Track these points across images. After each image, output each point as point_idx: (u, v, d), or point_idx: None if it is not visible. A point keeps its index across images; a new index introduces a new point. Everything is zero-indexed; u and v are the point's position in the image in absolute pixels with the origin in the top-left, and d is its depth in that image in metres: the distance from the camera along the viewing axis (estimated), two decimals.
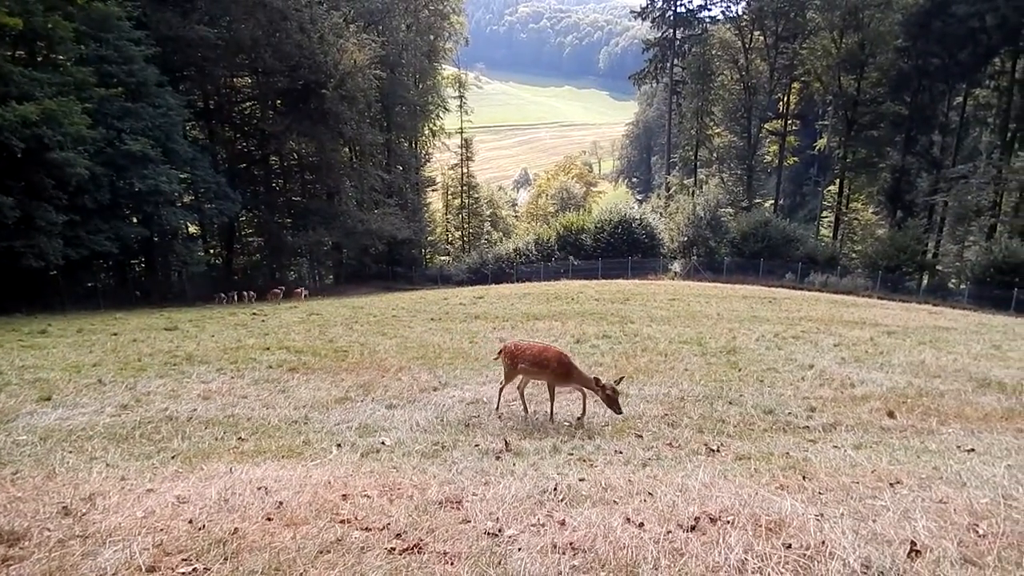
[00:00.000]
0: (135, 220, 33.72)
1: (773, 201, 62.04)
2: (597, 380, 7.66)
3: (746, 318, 18.92)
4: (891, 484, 5.33)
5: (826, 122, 61.35)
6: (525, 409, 8.46)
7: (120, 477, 5.60)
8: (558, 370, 7.88)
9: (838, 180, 58.03)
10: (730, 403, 8.72)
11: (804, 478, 5.40)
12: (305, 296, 27.14)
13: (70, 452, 6.70)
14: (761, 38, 60.14)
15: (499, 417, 8.29)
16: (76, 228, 28.36)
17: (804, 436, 7.39)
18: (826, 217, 61.21)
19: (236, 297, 31.37)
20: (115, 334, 16.77)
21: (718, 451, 6.58)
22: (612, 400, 7.57)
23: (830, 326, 17.34)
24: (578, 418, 8.08)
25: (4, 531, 4.04)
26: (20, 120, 24.24)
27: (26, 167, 26.05)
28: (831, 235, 56.85)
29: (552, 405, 8.21)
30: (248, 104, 49.60)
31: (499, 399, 8.67)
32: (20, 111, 24.31)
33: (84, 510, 4.55)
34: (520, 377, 8.47)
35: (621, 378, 8.11)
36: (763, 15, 58.72)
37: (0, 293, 28.02)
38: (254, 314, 21.96)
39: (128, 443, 7.10)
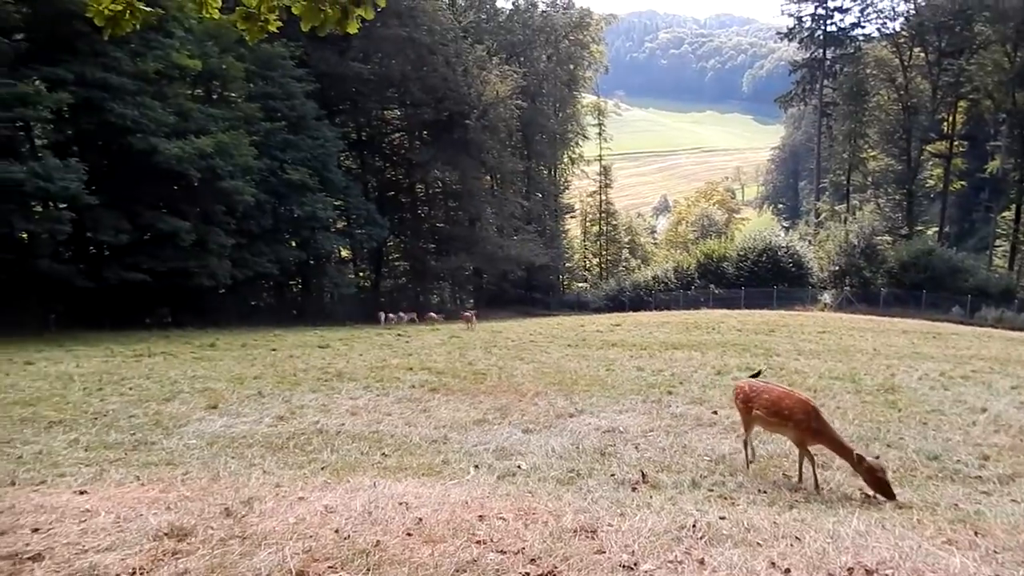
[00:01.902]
0: (293, 244, 36.27)
1: (937, 228, 57.41)
2: (859, 457, 6.04)
3: (906, 354, 17.53)
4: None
5: (999, 142, 56.12)
6: (747, 459, 7.22)
7: (275, 484, 5.96)
8: (803, 424, 6.35)
9: (1014, 205, 52.77)
10: (888, 446, 8.07)
11: (976, 534, 4.89)
12: (474, 319, 27.67)
13: (232, 457, 7.24)
14: (922, 55, 56.20)
15: (747, 468, 7.10)
16: (242, 251, 30.88)
17: (976, 487, 6.69)
18: (1000, 246, 55.73)
19: (418, 317, 31.87)
20: (274, 350, 18.03)
21: (875, 498, 6.09)
22: (880, 482, 5.95)
23: (1006, 366, 15.69)
24: (796, 480, 6.68)
25: (175, 527, 4.40)
26: (197, 152, 26.82)
27: (201, 195, 28.72)
28: (1006, 266, 51.65)
29: (801, 466, 6.67)
30: (397, 135, 52.22)
31: (745, 451, 7.27)
32: (198, 144, 26.95)
33: (243, 512, 4.87)
34: (757, 427, 7.14)
35: (877, 457, 6.39)
36: (924, 30, 54.85)
37: (177, 308, 30.89)
38: (399, 335, 22.87)
39: (283, 452, 7.58)
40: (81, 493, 5.46)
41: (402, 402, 10.49)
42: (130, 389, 11.45)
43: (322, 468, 6.81)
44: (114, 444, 7.85)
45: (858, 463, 6.02)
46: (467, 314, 28.84)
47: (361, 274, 50.77)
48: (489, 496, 5.64)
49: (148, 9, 5.03)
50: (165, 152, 26.09)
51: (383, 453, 7.55)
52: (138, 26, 5.01)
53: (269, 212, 32.60)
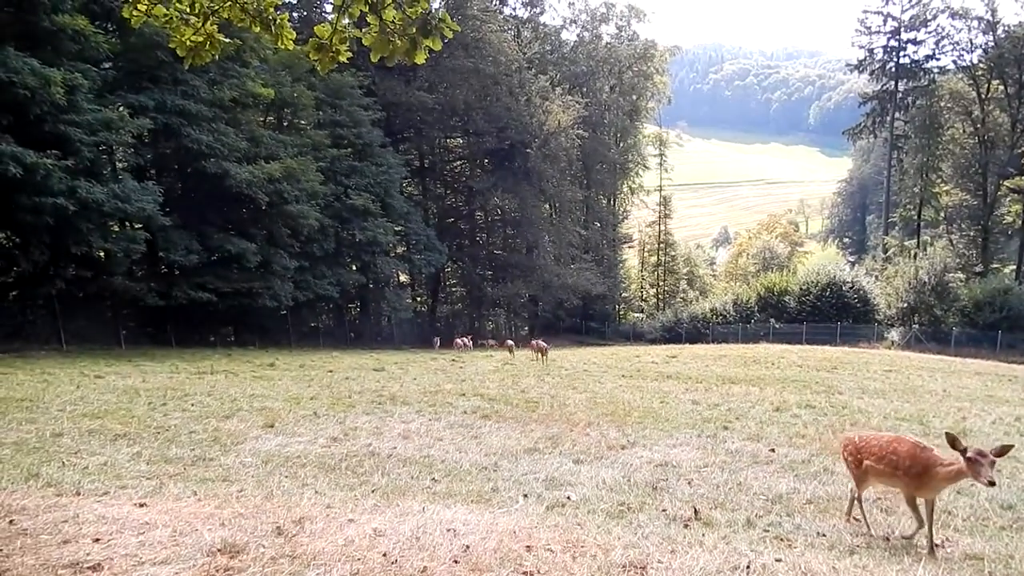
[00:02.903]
0: (354, 268, 37.03)
1: (1015, 267, 54.99)
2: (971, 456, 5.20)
3: (979, 397, 16.73)
4: None
5: None
6: (864, 522, 6.31)
7: (326, 505, 6.02)
8: (912, 470, 5.62)
9: None
10: (959, 493, 7.66)
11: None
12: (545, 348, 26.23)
13: (286, 477, 7.35)
14: (1000, 87, 54.34)
15: (850, 525, 6.28)
16: (304, 273, 31.66)
17: None
18: None
19: (473, 342, 32.69)
20: (331, 371, 18.35)
21: (941, 546, 5.79)
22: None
23: None
24: (908, 536, 5.95)
25: (228, 543, 4.48)
26: (267, 177, 27.75)
27: (267, 218, 29.62)
28: None
29: (917, 521, 5.85)
30: (458, 163, 53.09)
31: (854, 508, 6.49)
32: (267, 169, 27.88)
33: (294, 532, 4.93)
34: (873, 483, 6.34)
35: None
36: (1003, 63, 53.08)
37: (240, 328, 31.77)
38: (452, 360, 22.98)
39: (335, 473, 7.66)
40: (141, 506, 5.62)
41: (454, 427, 10.51)
42: (192, 405, 11.78)
43: (372, 491, 6.86)
44: (174, 459, 8.06)
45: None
46: (536, 343, 25.91)
47: (418, 299, 51.40)
48: (537, 526, 5.58)
49: (227, 40, 5.27)
50: (236, 176, 27.07)
51: (433, 478, 7.55)
52: (217, 56, 5.25)
53: (332, 236, 33.42)
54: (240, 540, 4.57)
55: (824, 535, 5.95)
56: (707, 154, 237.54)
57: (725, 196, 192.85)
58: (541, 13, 60.16)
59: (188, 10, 4.85)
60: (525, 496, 6.84)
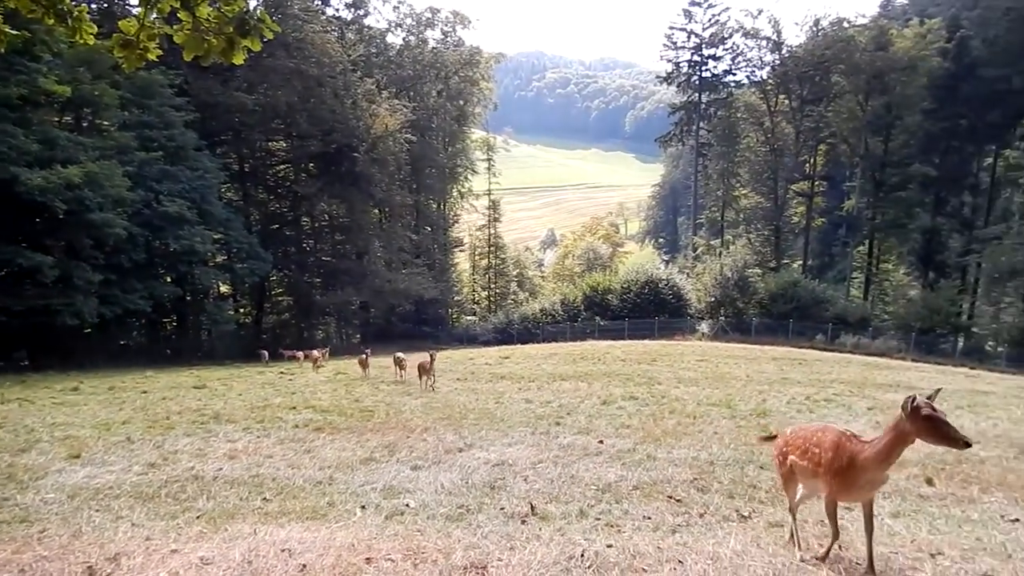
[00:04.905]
0: (169, 279, 34.54)
1: (802, 262, 61.72)
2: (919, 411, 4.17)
3: (776, 380, 18.60)
4: (932, 555, 5.13)
5: (854, 183, 61.36)
6: (795, 538, 5.33)
7: (145, 537, 5.59)
8: (833, 465, 4.62)
9: (867, 241, 57.80)
10: (762, 468, 8.48)
11: (841, 548, 5.22)
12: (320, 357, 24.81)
13: (97, 511, 6.70)
14: (786, 101, 60.89)
15: (800, 558, 5.05)
16: (112, 287, 29.12)
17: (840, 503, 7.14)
18: (856, 278, 60.62)
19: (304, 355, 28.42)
20: (145, 392, 16.98)
21: (750, 518, 6.38)
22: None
23: (863, 389, 16.95)
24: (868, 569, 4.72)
25: None
26: (64, 183, 25.19)
27: (66, 227, 26.92)
28: (862, 296, 56.17)
29: (833, 531, 4.92)
30: (282, 167, 51.05)
31: (792, 526, 5.44)
32: (64, 174, 25.31)
33: (109, 570, 4.54)
34: (801, 487, 5.25)
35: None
36: (788, 79, 59.59)
37: (36, 350, 28.62)
38: (281, 373, 22.08)
39: (154, 502, 7.09)
40: None
41: (284, 443, 10.09)
42: None
43: (197, 517, 6.43)
44: None
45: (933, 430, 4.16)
46: (316, 352, 25.27)
47: (242, 310, 48.82)
48: (377, 537, 5.52)
49: (14, 32, 4.74)
50: (27, 182, 24.32)
51: (264, 498, 7.21)
52: (2, 49, 4.71)
53: (143, 246, 30.88)
54: None
55: (649, 518, 6.35)
56: (533, 159, 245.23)
57: (551, 200, 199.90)
58: (365, 15, 59.42)
59: None
60: (363, 508, 6.73)
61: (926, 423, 4.12)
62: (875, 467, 4.42)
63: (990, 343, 45.53)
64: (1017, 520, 6.35)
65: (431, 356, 16.58)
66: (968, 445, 4.05)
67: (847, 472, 4.50)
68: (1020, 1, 48.07)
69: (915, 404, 4.16)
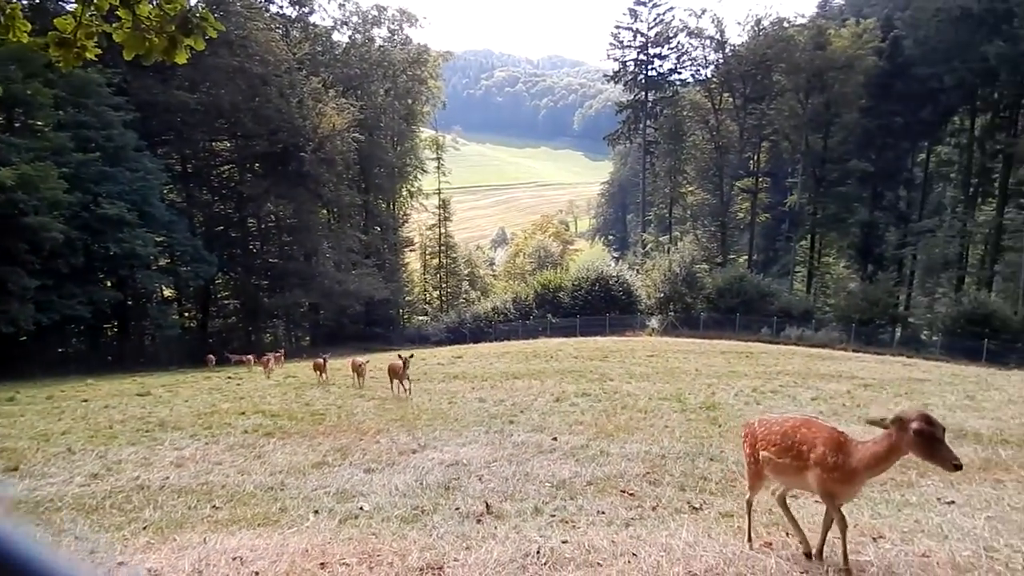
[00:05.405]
0: (109, 284, 33.55)
1: (747, 257, 63.01)
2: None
3: (724, 373, 18.99)
4: (874, 539, 5.31)
5: (795, 179, 63.05)
6: (800, 536, 5.01)
7: (89, 550, 5.43)
8: (824, 461, 4.40)
9: (809, 235, 59.42)
10: (711, 460, 8.66)
11: (787, 535, 5.37)
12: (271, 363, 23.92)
13: (37, 525, 6.48)
14: (730, 100, 62.21)
15: (751, 548, 5.09)
16: (49, 293, 28.14)
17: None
18: (799, 272, 62.31)
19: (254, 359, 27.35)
20: (86, 401, 16.45)
21: (701, 509, 6.51)
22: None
23: (807, 380, 17.43)
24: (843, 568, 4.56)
25: None
26: None
27: None
28: (805, 289, 57.71)
29: (824, 527, 4.82)
30: (226, 167, 49.97)
31: (748, 520, 5.32)
32: None
33: None
34: (771, 483, 5.18)
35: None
36: (731, 78, 60.90)
37: None
38: (229, 378, 21.64)
39: (98, 514, 6.88)
40: None
41: (234, 449, 9.89)
42: None
43: (144, 528, 6.27)
44: None
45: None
46: (270, 356, 24.43)
47: (187, 314, 47.63)
48: (331, 542, 5.47)
49: None
50: None
51: (214, 506, 7.07)
52: None
53: (81, 250, 29.88)
54: None
55: (603, 512, 6.43)
56: (483, 158, 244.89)
57: (501, 198, 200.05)
58: (310, 13, 58.44)
59: None
60: (316, 512, 6.65)
61: (918, 439, 3.95)
62: (867, 474, 4.36)
63: (925, 332, 47.32)
64: (953, 502, 6.62)
65: (402, 359, 15.26)
66: (958, 468, 3.87)
67: (843, 471, 4.33)
68: (949, 2, 49.92)
69: (909, 421, 3.99)
